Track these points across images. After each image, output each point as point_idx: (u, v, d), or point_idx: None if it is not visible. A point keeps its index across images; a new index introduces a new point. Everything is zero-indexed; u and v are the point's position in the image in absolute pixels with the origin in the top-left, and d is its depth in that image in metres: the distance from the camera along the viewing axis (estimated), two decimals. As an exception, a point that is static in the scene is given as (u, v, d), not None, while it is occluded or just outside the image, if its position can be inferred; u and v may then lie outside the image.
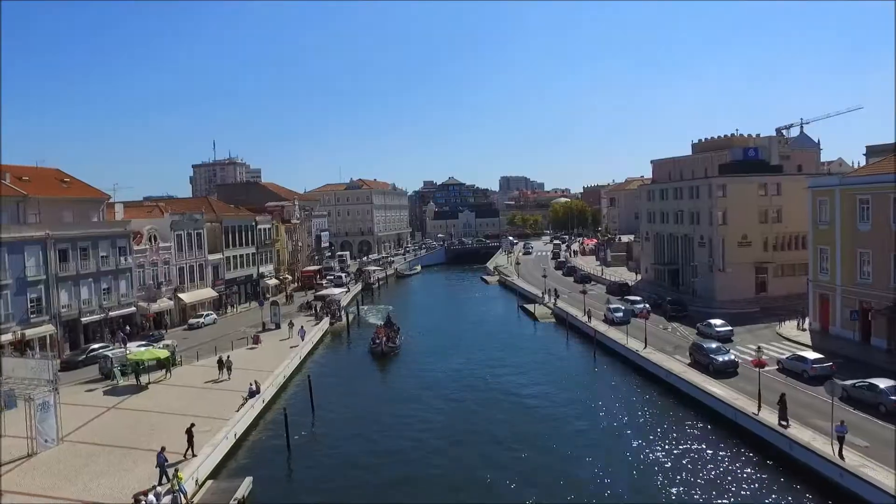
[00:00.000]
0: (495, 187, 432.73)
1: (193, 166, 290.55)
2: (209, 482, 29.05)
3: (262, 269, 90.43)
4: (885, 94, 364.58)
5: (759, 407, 34.19)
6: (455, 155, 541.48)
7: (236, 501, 26.84)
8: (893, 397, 32.44)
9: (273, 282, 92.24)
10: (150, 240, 67.38)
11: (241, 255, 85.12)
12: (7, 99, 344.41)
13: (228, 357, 47.26)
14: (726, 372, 41.48)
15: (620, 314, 60.74)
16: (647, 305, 60.68)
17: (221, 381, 44.66)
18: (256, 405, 39.61)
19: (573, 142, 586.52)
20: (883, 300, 44.11)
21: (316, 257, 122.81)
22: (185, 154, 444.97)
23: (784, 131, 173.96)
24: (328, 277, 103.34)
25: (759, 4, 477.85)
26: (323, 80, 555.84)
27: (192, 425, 31.13)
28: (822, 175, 57.64)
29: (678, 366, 44.26)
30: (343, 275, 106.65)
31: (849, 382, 35.35)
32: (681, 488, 28.45)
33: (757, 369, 35.03)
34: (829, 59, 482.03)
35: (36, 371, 33.62)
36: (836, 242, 48.94)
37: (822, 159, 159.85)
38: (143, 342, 55.38)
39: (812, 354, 41.30)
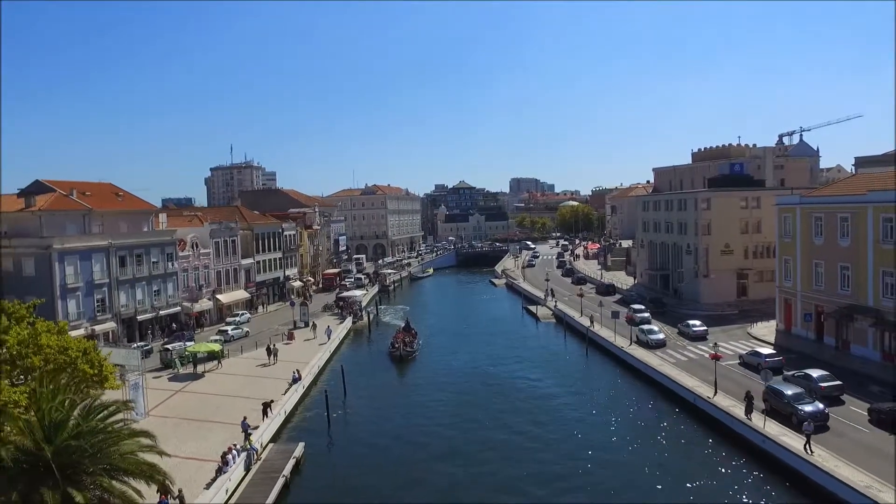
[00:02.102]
0: (506, 189, 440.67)
1: (211, 169, 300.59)
2: (271, 445, 37.03)
3: (287, 272, 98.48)
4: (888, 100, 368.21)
5: (715, 392, 41.65)
6: (466, 157, 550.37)
7: (294, 459, 34.72)
8: (821, 384, 39.73)
9: (298, 284, 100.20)
10: (192, 247, 75.51)
11: (270, 260, 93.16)
12: (20, 100, 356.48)
13: (275, 345, 56.90)
14: (816, 426, 33.12)
15: (657, 336, 56.31)
16: (649, 314, 66.14)
17: (270, 366, 53.57)
18: (299, 389, 47.62)
19: (584, 143, 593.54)
20: (832, 304, 51.32)
21: (334, 260, 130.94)
22: (198, 156, 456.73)
23: (786, 137, 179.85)
24: (348, 280, 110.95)
25: (773, 5, 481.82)
26: (335, 83, 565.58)
27: (272, 401, 40.58)
28: (786, 194, 64.49)
29: (655, 360, 51.71)
30: (362, 276, 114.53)
31: (790, 373, 42.74)
32: (639, 446, 36.09)
33: (714, 361, 42.71)
34: (843, 63, 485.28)
35: (126, 358, 41.73)
36: (796, 253, 56.14)
37: (822, 166, 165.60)
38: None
39: (766, 350, 48.73)
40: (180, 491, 26.98)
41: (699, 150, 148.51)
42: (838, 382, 39.90)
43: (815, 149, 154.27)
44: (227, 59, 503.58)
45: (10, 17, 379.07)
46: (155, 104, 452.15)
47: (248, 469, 33.22)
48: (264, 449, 36.07)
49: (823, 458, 30.72)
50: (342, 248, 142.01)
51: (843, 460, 30.35)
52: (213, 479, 30.64)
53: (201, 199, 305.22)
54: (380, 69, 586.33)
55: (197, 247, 76.35)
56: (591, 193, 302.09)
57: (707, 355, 48.18)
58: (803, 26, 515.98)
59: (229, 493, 30.51)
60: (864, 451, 31.25)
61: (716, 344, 43.81)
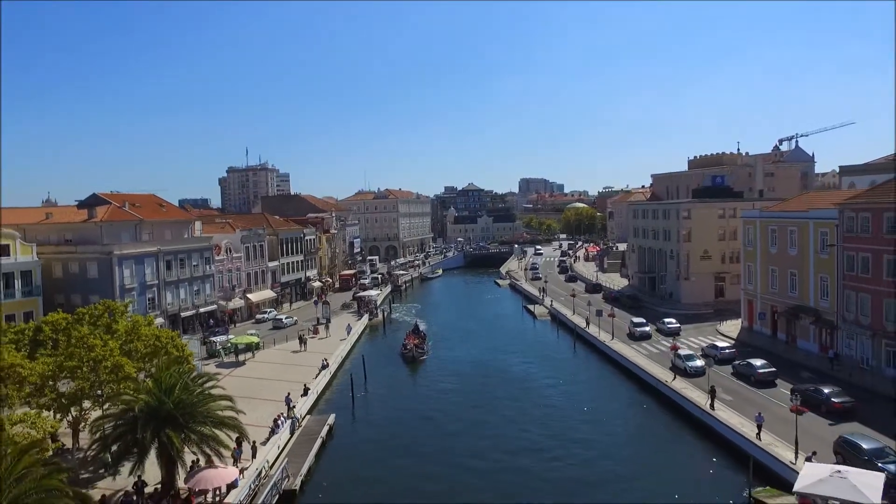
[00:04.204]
0: (515, 189, 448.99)
1: (227, 171, 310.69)
2: (308, 416, 46.02)
3: (308, 274, 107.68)
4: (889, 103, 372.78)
5: (674, 377, 50.11)
6: (476, 159, 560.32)
7: (328, 426, 43.74)
8: (759, 370, 48.15)
9: (317, 284, 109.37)
10: (226, 251, 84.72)
11: (293, 262, 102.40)
12: (32, 99, 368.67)
13: (305, 334, 67.62)
14: None
15: (695, 363, 50.49)
16: (649, 328, 66.30)
17: (301, 354, 63.59)
18: (327, 375, 56.66)
19: (594, 142, 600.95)
20: (783, 305, 59.61)
21: (350, 262, 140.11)
22: (212, 157, 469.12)
23: (786, 142, 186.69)
24: (363, 281, 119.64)
25: (785, 6, 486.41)
26: (346, 86, 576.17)
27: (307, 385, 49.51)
28: (749, 207, 72.52)
29: (630, 351, 60.25)
30: (378, 276, 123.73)
31: (736, 362, 51.17)
32: (609, 416, 44.80)
33: (672, 352, 51.29)
34: (848, 66, 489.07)
35: (188, 347, 50.68)
36: (756, 260, 64.44)
37: (820, 170, 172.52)
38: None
39: (722, 343, 57.18)
40: (254, 442, 36.01)
41: (695, 157, 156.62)
42: (773, 369, 48.38)
43: (811, 154, 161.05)
44: (239, 61, 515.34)
45: (24, 18, 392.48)
46: (167, 105, 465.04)
47: (292, 433, 42.19)
48: (303, 419, 45.10)
49: (745, 424, 39.20)
50: (356, 251, 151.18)
51: (744, 417, 38.93)
52: (268, 439, 39.61)
53: (216, 200, 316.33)
54: (391, 72, 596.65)
55: (230, 251, 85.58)
56: (597, 194, 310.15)
57: (670, 348, 56.63)
58: (811, 30, 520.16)
59: (280, 448, 39.50)
60: (777, 420, 39.53)
61: (676, 337, 52.26)
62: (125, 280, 66.89)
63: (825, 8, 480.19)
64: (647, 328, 66.38)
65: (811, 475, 27.01)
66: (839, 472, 26.41)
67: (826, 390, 41.44)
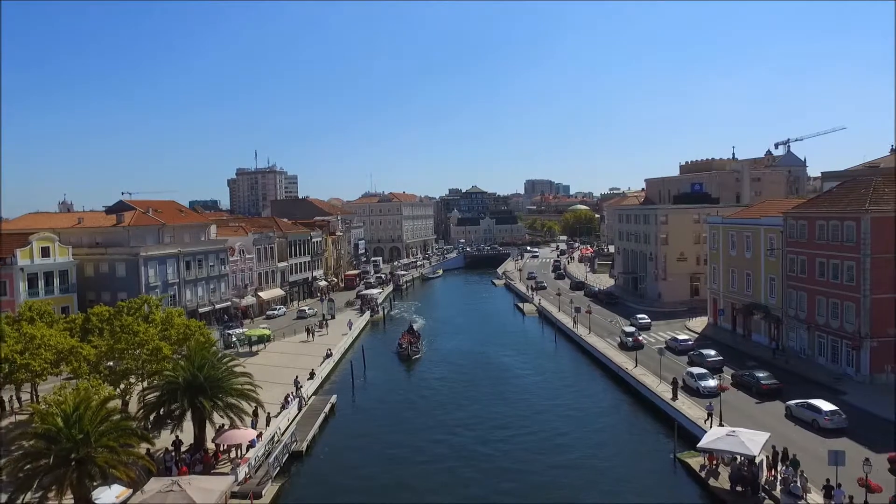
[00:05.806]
0: (521, 190, 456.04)
1: (237, 173, 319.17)
2: (313, 397, 53.12)
3: (315, 273, 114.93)
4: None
5: (636, 364, 56.87)
6: (481, 160, 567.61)
7: (330, 404, 50.87)
8: (708, 359, 54.87)
9: (323, 283, 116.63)
10: (240, 253, 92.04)
11: (300, 263, 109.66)
12: (37, 100, 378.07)
13: (313, 327, 75.13)
14: None
15: (708, 383, 48.23)
16: (643, 339, 64.72)
17: (309, 343, 70.97)
18: (331, 363, 63.87)
19: (602, 143, 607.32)
20: (741, 302, 66.28)
21: (354, 262, 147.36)
22: (220, 159, 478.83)
23: (781, 146, 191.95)
24: (367, 280, 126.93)
25: (794, 6, 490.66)
26: (353, 88, 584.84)
27: (313, 370, 56.16)
28: (714, 214, 79.06)
29: (602, 343, 67.04)
30: (382, 275, 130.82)
31: (691, 352, 57.93)
32: (576, 396, 51.73)
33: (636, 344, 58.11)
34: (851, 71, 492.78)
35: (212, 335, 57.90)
36: (719, 262, 71.11)
37: (812, 175, 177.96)
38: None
39: (682, 336, 63.93)
40: (269, 414, 43.22)
41: (686, 162, 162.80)
42: (721, 358, 55.21)
43: (802, 159, 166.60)
44: (246, 63, 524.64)
45: (25, 18, 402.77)
46: (175, 106, 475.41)
47: (299, 409, 49.33)
48: (309, 398, 52.22)
49: (683, 401, 46.03)
50: (361, 252, 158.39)
51: (696, 402, 45.67)
52: (279, 412, 46.75)
53: (225, 201, 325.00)
54: (397, 74, 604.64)
55: (243, 253, 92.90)
56: (600, 196, 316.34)
57: (636, 341, 63.42)
58: (816, 29, 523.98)
59: (290, 420, 46.67)
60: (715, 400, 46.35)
61: (638, 331, 59.08)
62: (150, 279, 74.19)
63: (828, 8, 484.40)
64: (641, 339, 64.26)
65: (712, 435, 33.88)
66: (733, 431, 33.24)
67: (759, 374, 48.27)
